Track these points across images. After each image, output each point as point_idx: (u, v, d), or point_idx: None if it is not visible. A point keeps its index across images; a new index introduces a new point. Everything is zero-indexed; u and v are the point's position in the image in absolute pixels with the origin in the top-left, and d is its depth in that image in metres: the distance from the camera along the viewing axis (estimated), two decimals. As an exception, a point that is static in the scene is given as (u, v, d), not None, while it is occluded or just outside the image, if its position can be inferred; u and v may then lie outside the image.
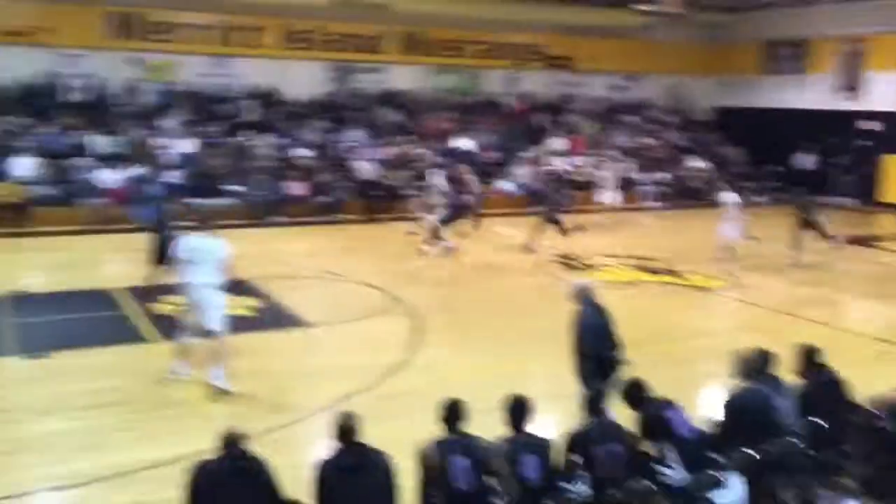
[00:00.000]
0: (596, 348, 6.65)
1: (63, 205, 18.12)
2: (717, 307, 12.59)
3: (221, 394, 8.18)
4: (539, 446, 5.23)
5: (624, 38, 27.88)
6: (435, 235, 15.65)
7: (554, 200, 16.67)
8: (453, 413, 5.20)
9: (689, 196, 24.66)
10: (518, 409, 5.40)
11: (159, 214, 11.81)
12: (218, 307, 8.40)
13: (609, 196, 21.13)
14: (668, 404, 5.77)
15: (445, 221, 15.77)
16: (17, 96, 20.38)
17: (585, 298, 6.88)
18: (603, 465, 5.30)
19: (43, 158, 18.72)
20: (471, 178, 18.04)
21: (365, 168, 20.77)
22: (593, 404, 5.66)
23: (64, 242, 16.36)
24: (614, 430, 5.48)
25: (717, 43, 29.50)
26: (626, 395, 5.90)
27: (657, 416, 5.68)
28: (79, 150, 19.23)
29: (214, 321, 8.37)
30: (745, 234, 14.99)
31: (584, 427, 5.53)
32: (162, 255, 11.28)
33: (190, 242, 8.47)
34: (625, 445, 5.41)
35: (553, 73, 27.76)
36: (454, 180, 17.38)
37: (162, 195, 15.29)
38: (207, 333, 8.39)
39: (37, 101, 20.57)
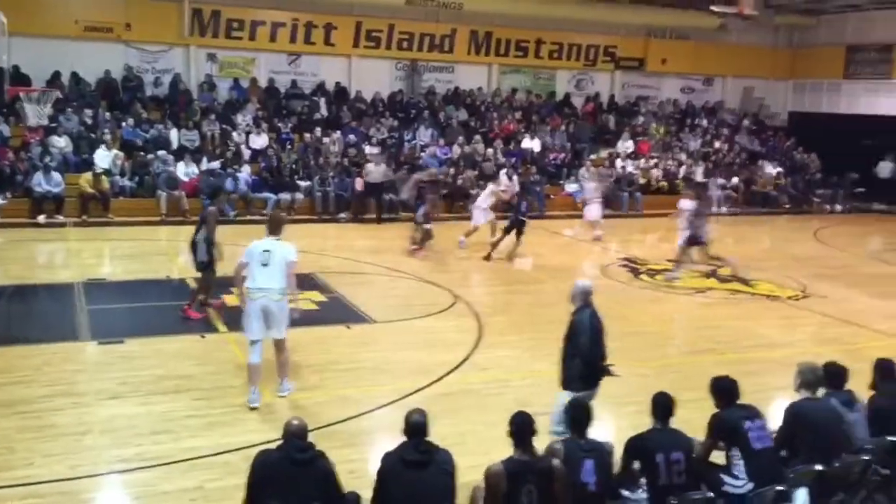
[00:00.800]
0: (593, 353, 6.46)
1: (141, 196, 18.71)
2: (787, 317, 12.24)
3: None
4: (597, 451, 5.17)
5: (698, 41, 27.39)
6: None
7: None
8: (523, 429, 4.96)
9: (759, 202, 24.06)
10: (578, 415, 5.36)
11: (204, 212, 10.88)
12: (282, 315, 7.88)
13: (594, 211, 17.78)
14: (751, 414, 5.64)
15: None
16: (99, 90, 21.13)
17: (586, 301, 6.68)
18: (664, 472, 5.21)
19: (122, 151, 19.34)
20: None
21: (371, 169, 19.65)
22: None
23: (141, 232, 16.88)
24: (677, 437, 5.39)
25: (795, 47, 28.75)
26: (719, 390, 5.76)
27: (736, 423, 5.57)
28: (157, 144, 19.82)
29: (280, 330, 7.93)
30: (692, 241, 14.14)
31: (645, 433, 5.45)
32: (195, 255, 10.67)
33: (257, 245, 7.89)
34: (687, 453, 5.31)
35: (624, 75, 27.44)
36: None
37: (219, 189, 14.20)
38: (275, 343, 7.97)
39: (117, 94, 21.31)
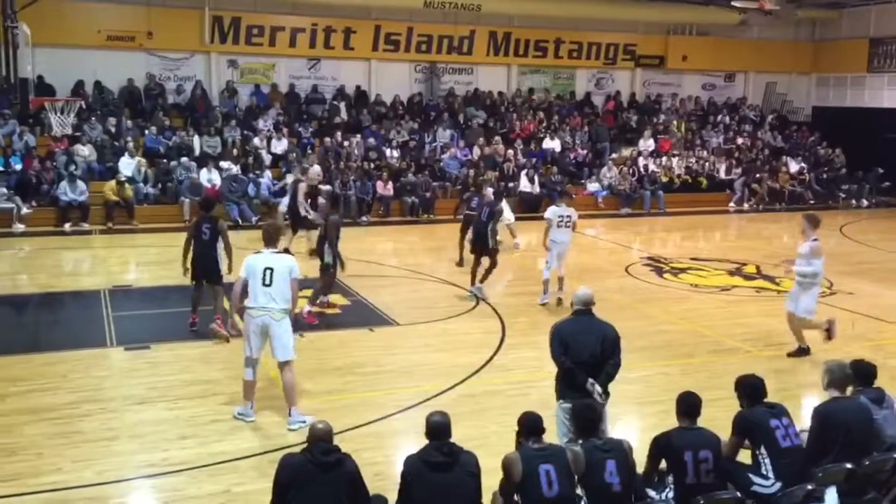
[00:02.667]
0: (558, 358, 6.16)
1: (164, 203, 18.90)
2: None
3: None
4: (617, 450, 5.13)
5: (718, 37, 27.18)
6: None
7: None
8: (533, 425, 5.16)
9: (783, 199, 23.80)
10: (583, 416, 5.38)
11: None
12: (286, 335, 7.45)
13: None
14: (776, 412, 5.59)
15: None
16: (122, 98, 21.36)
17: (576, 308, 6.45)
18: (691, 471, 5.16)
19: (146, 158, 19.55)
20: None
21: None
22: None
23: (165, 239, 16.96)
24: (704, 436, 5.33)
25: (817, 41, 28.42)
26: (745, 389, 5.72)
27: (761, 421, 5.52)
28: (179, 151, 19.99)
29: (284, 351, 7.48)
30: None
31: (672, 431, 5.40)
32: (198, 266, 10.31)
33: (255, 260, 7.49)
34: (715, 452, 5.26)
35: (644, 73, 27.29)
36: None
37: (215, 201, 12.72)
38: (279, 365, 7.54)
39: (140, 102, 21.53)
